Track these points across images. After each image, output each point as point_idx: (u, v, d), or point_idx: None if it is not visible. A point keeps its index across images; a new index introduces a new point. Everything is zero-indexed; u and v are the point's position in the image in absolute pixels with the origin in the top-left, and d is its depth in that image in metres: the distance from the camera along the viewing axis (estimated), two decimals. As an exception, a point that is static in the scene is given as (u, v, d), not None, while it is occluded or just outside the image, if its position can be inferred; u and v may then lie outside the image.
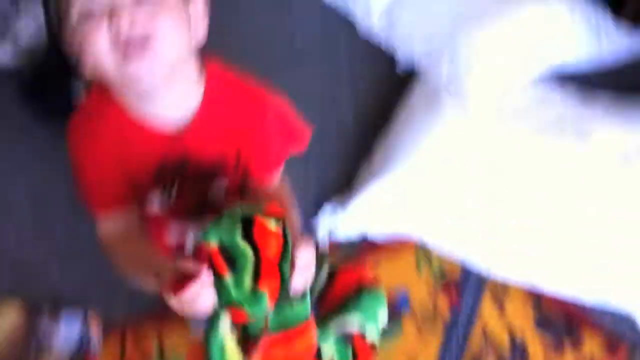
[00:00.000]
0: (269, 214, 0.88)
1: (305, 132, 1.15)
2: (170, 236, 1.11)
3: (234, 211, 0.90)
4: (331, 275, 1.12)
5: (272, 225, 0.88)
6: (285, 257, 0.89)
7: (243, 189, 1.08)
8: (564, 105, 1.73)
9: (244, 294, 0.87)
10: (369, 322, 1.09)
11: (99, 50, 0.86)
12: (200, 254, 0.87)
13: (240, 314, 0.90)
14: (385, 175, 1.62)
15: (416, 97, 1.80)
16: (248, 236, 0.88)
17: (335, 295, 1.09)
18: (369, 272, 1.14)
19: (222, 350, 0.90)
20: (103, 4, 0.85)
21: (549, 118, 1.69)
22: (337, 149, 1.81)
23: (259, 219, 0.88)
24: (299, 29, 2.02)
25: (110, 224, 1.07)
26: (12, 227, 1.64)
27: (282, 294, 0.90)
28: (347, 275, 1.09)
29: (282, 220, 0.89)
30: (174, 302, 0.86)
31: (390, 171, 1.62)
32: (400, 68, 1.92)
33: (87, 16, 0.86)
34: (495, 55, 1.77)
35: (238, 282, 0.87)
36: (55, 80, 1.69)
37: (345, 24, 2.02)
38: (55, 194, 1.64)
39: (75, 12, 0.86)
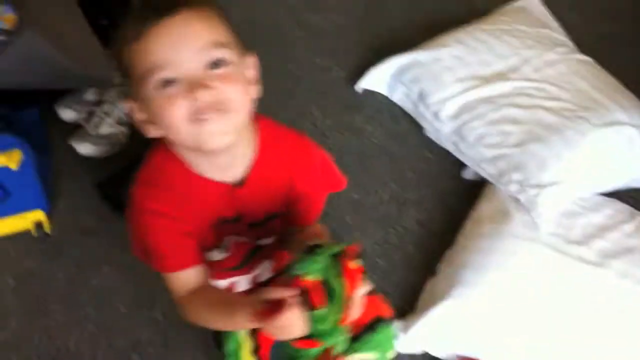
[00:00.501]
0: (350, 253, 0.95)
1: (343, 180, 1.22)
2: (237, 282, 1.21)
3: (324, 250, 0.96)
4: None
5: (355, 264, 0.94)
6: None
7: (291, 230, 1.15)
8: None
9: (329, 325, 0.94)
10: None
11: (177, 116, 0.91)
12: (294, 285, 0.93)
13: (313, 343, 0.96)
14: (450, 299, 1.58)
15: (484, 210, 1.79)
16: (338, 274, 0.94)
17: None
18: (385, 305, 1.13)
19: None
20: (181, 74, 0.90)
21: (616, 243, 1.67)
22: (401, 255, 1.79)
23: (345, 258, 0.94)
24: (368, 130, 2.07)
25: (183, 280, 1.08)
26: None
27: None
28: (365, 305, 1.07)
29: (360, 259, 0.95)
30: (269, 328, 0.91)
31: (456, 295, 1.58)
32: (467, 175, 1.92)
33: (165, 85, 0.91)
34: (566, 174, 1.78)
35: (325, 317, 0.93)
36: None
37: (414, 127, 2.06)
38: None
39: (153, 80, 0.91)
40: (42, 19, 1.81)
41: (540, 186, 1.73)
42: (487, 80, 1.99)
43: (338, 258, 0.95)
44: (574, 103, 1.91)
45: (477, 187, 1.88)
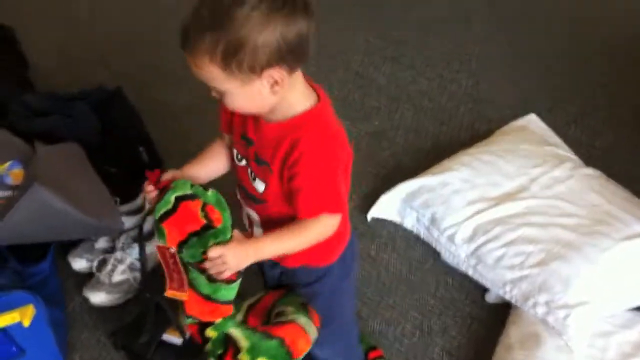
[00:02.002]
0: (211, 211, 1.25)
1: (341, 204, 1.29)
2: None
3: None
4: None
5: (201, 214, 1.25)
6: (203, 237, 1.23)
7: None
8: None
9: (155, 220, 1.28)
10: None
11: None
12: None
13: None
14: None
15: (513, 336, 1.75)
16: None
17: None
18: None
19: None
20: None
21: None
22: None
23: (196, 202, 1.25)
24: (384, 259, 2.05)
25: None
26: None
27: (189, 253, 1.25)
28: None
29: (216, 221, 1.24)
30: None
31: None
32: (490, 299, 1.88)
33: None
34: (593, 291, 1.75)
35: (155, 210, 1.27)
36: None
37: (429, 252, 2.04)
38: None
39: None
40: (50, 172, 1.83)
41: (568, 307, 1.69)
42: (498, 201, 1.99)
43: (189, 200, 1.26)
44: (589, 218, 1.90)
45: (502, 311, 1.84)
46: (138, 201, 2.08)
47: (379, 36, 2.86)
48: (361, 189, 2.24)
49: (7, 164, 1.92)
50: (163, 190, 1.27)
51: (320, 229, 1.26)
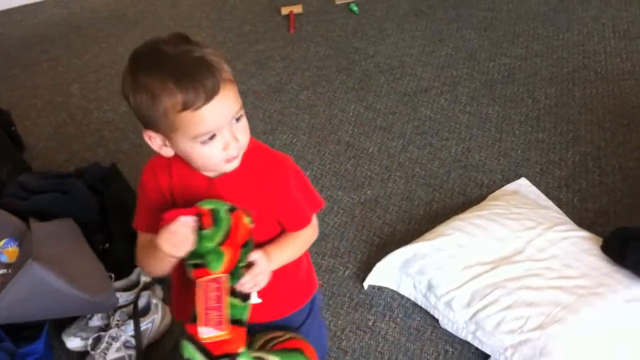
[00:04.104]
0: (247, 214, 1.24)
1: (321, 201, 1.42)
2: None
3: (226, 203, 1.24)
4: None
5: (247, 220, 1.23)
6: (248, 245, 1.24)
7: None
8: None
9: (213, 245, 1.20)
10: None
11: (213, 161, 1.23)
12: (191, 210, 1.21)
13: (203, 270, 1.21)
14: None
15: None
16: (228, 211, 1.22)
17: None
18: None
19: None
20: (219, 129, 1.19)
21: None
22: None
23: (240, 210, 1.23)
24: (382, 329, 2.03)
25: (143, 238, 1.36)
26: None
27: (235, 273, 1.22)
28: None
29: (253, 223, 1.24)
30: (163, 236, 1.19)
31: None
32: (491, 365, 1.86)
33: (207, 140, 1.19)
34: (594, 355, 1.74)
35: (211, 237, 1.19)
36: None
37: (428, 320, 2.02)
38: None
39: (201, 139, 1.18)
40: (45, 248, 1.83)
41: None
42: (494, 265, 1.99)
43: (235, 211, 1.22)
44: (588, 280, 1.89)
45: (504, 377, 1.81)
46: (133, 277, 2.08)
47: (368, 107, 2.91)
48: (356, 257, 2.24)
49: (1, 242, 1.92)
50: (200, 216, 1.21)
51: (313, 228, 1.42)
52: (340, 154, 2.67)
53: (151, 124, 1.21)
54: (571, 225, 2.17)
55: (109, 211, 2.18)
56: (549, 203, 2.33)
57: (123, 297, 1.99)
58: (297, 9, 3.65)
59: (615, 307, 1.80)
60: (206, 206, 1.21)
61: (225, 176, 1.29)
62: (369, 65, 3.17)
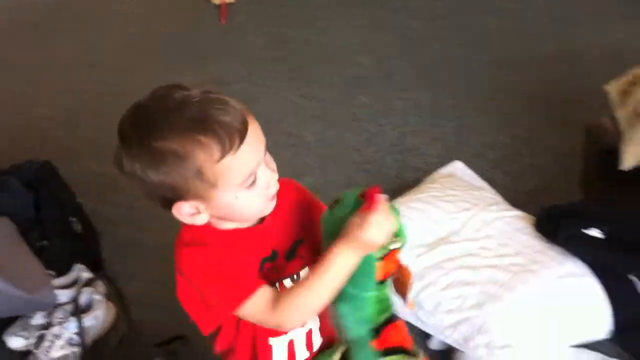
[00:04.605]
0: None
1: None
2: None
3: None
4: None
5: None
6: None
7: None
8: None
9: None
10: None
11: (258, 205, 1.12)
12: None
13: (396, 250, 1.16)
14: None
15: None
16: None
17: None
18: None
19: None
20: (260, 170, 1.09)
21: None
22: None
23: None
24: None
25: (261, 297, 1.11)
26: None
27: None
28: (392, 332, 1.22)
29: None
30: (374, 224, 1.06)
31: None
32: (433, 346, 1.91)
33: (252, 182, 1.08)
34: (532, 331, 1.79)
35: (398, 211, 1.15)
36: None
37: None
38: None
39: (246, 182, 1.07)
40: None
41: (507, 346, 1.73)
42: (431, 246, 2.03)
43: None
44: (521, 258, 1.95)
45: (447, 357, 1.86)
46: (72, 274, 2.05)
47: (304, 96, 2.93)
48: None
49: None
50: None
51: None
52: (279, 144, 2.68)
53: (180, 193, 1.06)
54: (505, 205, 2.23)
55: (43, 208, 2.15)
56: (484, 184, 2.39)
57: (65, 295, 1.96)
58: (229, -2, 3.63)
59: (548, 283, 1.86)
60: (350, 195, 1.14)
61: (266, 219, 1.18)
62: (305, 54, 3.19)
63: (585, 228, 1.96)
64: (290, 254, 1.23)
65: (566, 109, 2.75)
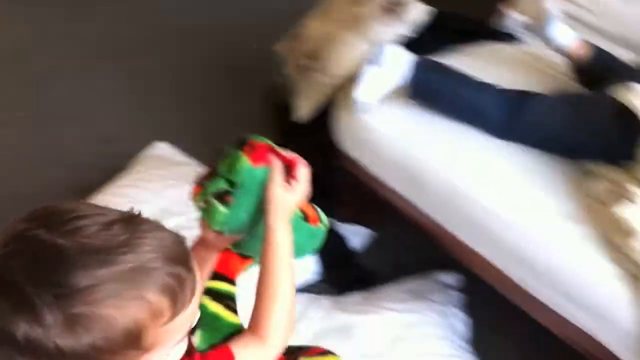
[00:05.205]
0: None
1: None
2: None
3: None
4: None
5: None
6: None
7: None
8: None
9: None
10: None
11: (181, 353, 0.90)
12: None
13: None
14: None
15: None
16: None
17: None
18: None
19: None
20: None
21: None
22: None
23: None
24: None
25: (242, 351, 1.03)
26: None
27: None
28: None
29: None
30: (302, 187, 1.11)
31: None
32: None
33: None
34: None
35: None
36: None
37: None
38: None
39: (185, 336, 0.87)
40: None
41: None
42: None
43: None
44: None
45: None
46: None
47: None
48: None
49: None
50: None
51: None
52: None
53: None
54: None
55: None
56: (189, 160, 2.43)
57: None
58: None
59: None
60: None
61: None
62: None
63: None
64: None
65: (245, 76, 2.87)
